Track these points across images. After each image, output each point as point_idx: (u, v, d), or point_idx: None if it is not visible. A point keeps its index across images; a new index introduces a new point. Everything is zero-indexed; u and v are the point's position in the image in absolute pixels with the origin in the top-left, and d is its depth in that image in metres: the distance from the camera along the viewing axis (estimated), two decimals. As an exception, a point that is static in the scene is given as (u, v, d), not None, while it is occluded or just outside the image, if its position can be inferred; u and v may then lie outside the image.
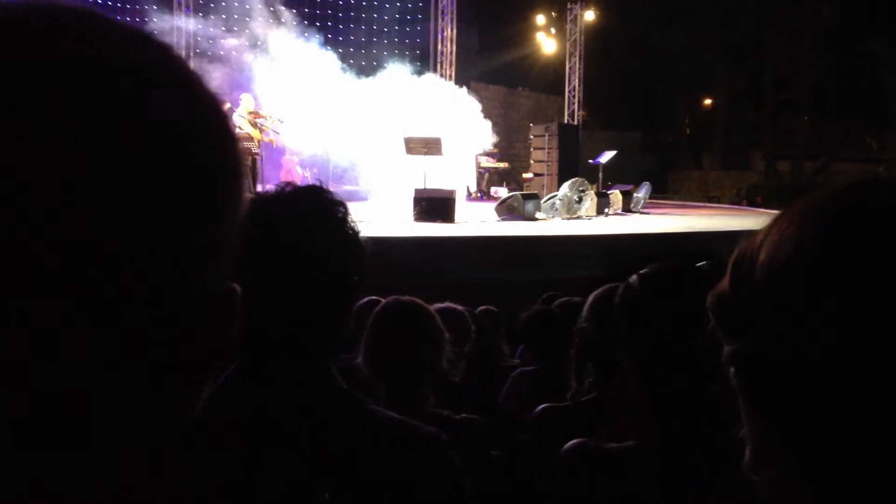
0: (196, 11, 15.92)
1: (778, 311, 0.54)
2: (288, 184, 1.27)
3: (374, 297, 3.41)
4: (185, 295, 0.43)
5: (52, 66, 0.38)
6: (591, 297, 2.29)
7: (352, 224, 1.26)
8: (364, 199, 15.36)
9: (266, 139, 13.14)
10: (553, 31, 23.67)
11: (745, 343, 0.57)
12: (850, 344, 0.51)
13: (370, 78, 15.95)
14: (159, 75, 0.43)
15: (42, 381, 0.38)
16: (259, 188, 11.01)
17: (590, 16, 21.53)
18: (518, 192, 14.19)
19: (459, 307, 3.72)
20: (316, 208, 1.23)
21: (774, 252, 0.55)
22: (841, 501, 0.53)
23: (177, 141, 0.42)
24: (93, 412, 0.40)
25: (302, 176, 15.68)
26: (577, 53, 20.76)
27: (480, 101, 17.17)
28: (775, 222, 0.58)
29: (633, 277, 1.43)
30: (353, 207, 1.29)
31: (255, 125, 12.91)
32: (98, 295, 0.38)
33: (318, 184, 1.29)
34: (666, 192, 29.70)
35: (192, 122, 0.44)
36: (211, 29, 15.40)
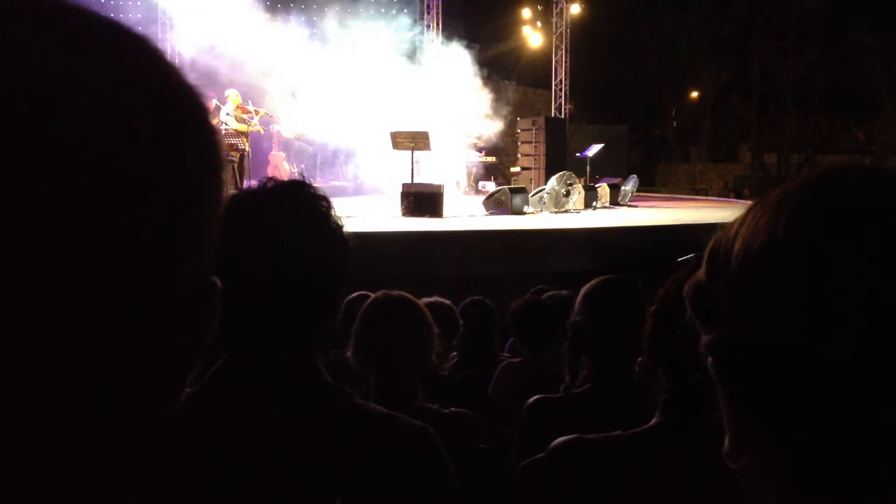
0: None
1: (752, 300, 0.55)
2: (270, 178, 1.27)
3: (363, 292, 3.41)
4: (164, 289, 0.42)
5: (19, 57, 0.37)
6: (582, 291, 2.29)
7: (335, 218, 1.26)
8: (352, 194, 15.34)
9: (254, 129, 13.14)
10: (539, 24, 23.66)
11: (721, 332, 0.58)
12: (820, 333, 0.51)
13: (361, 68, 15.91)
14: (135, 66, 0.42)
15: (17, 375, 0.37)
16: (245, 184, 10.96)
17: (576, 9, 21.52)
18: (506, 186, 14.17)
19: (446, 301, 3.73)
20: (298, 202, 1.23)
21: (749, 241, 0.56)
22: (815, 490, 0.54)
23: (154, 133, 0.41)
24: (68, 408, 0.39)
25: (289, 171, 15.63)
26: (564, 47, 20.73)
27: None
28: (750, 211, 0.58)
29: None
30: (340, 203, 1.28)
31: (242, 120, 12.89)
32: (76, 290, 0.38)
33: (301, 178, 1.29)
34: (653, 185, 29.77)
35: (169, 114, 0.43)
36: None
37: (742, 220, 0.58)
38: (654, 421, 1.37)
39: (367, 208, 11.94)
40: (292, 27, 15.71)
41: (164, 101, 0.43)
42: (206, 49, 14.06)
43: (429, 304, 2.72)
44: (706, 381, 0.59)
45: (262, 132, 13.91)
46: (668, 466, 1.28)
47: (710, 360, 0.59)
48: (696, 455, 1.25)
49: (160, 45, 0.45)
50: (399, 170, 13.13)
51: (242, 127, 12.73)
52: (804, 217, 0.54)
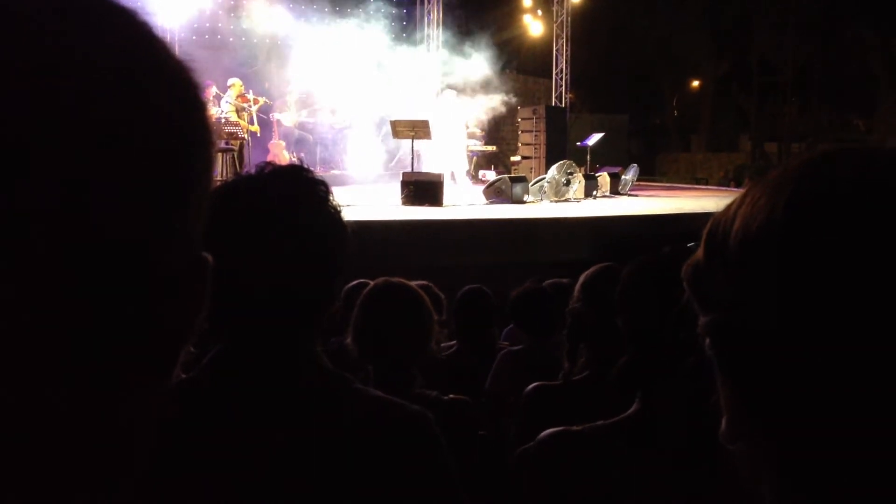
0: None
1: (750, 281, 0.55)
2: (268, 164, 1.26)
3: (363, 280, 3.41)
4: (155, 264, 0.42)
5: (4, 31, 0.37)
6: (581, 278, 2.29)
7: (334, 203, 1.25)
8: (351, 182, 15.32)
9: (252, 128, 13.10)
10: (540, 13, 23.57)
11: (719, 313, 0.57)
12: (818, 315, 0.51)
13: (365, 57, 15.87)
14: (121, 40, 0.42)
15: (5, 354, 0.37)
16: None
17: (577, -3, 21.47)
18: (506, 175, 14.14)
19: (423, 282, 3.70)
20: (296, 187, 1.23)
21: (747, 222, 0.55)
22: (808, 474, 0.54)
23: (141, 106, 0.41)
24: (53, 389, 0.39)
25: (289, 160, 15.61)
26: (565, 35, 20.66)
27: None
28: (749, 192, 0.58)
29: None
30: (340, 191, 1.28)
31: (242, 109, 12.86)
32: (67, 264, 0.37)
33: (299, 163, 1.29)
34: (654, 175, 29.76)
35: (158, 87, 0.42)
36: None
37: (741, 200, 0.58)
38: (633, 408, 1.37)
39: (367, 197, 11.91)
40: (290, 14, 15.68)
41: (152, 74, 0.43)
42: (199, 30, 14.02)
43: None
44: (702, 364, 0.59)
45: (259, 133, 13.82)
46: (650, 453, 1.29)
47: (707, 341, 0.59)
48: (676, 441, 1.26)
49: (150, 21, 0.44)
50: (392, 159, 13.11)
51: (242, 123, 12.71)
52: (803, 197, 0.53)
